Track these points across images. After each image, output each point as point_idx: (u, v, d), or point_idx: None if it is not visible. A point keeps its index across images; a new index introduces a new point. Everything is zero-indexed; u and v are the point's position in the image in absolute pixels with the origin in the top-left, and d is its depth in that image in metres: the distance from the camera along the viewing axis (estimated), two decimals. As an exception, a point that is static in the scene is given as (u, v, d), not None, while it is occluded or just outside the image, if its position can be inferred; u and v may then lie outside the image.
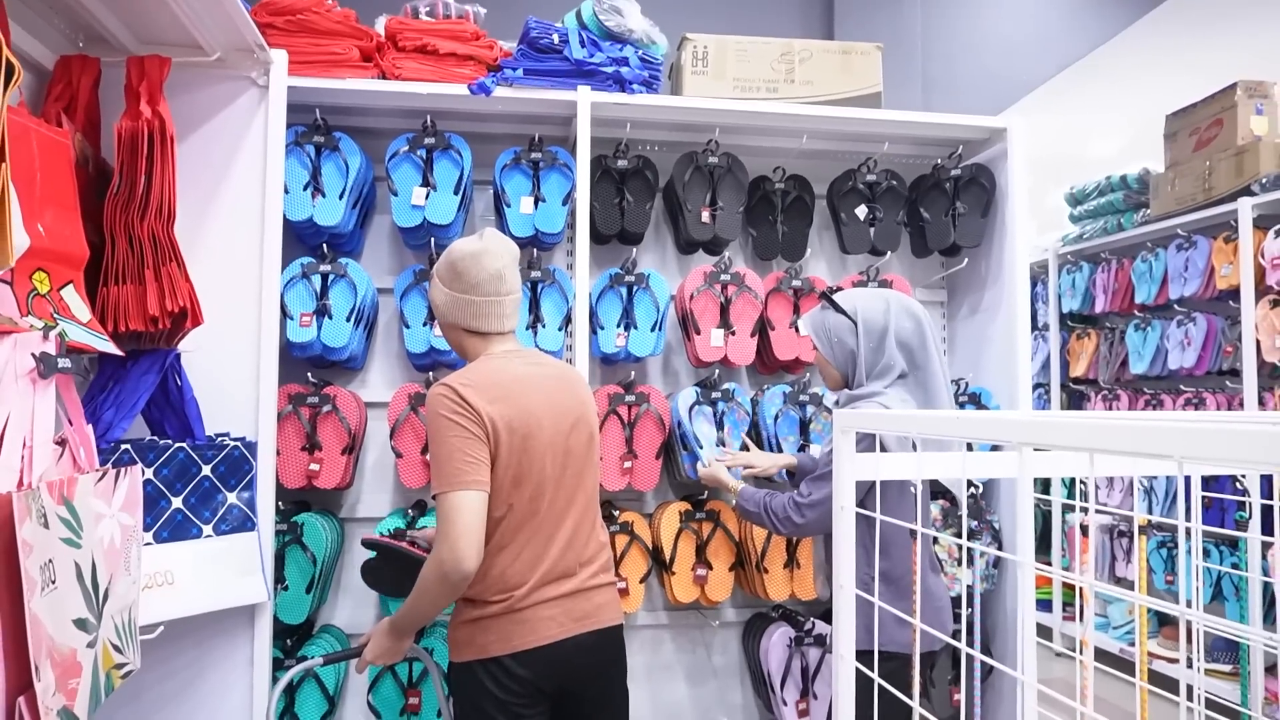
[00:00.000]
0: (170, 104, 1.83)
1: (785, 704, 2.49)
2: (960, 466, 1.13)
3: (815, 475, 1.94)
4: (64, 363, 1.33)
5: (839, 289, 2.31)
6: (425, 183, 2.36)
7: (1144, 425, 0.70)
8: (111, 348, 1.59)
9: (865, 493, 1.89)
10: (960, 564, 2.61)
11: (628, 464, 2.46)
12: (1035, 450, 1.00)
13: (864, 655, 1.93)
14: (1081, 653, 1.06)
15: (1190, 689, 1.05)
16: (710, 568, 2.51)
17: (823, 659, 2.53)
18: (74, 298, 1.58)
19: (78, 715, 1.29)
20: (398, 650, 1.76)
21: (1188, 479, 1.30)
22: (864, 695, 1.30)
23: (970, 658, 1.83)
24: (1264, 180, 3.52)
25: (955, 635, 2.62)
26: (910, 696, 1.31)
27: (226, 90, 2.06)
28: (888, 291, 2.02)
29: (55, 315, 1.50)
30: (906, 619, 1.38)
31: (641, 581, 2.48)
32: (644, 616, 2.71)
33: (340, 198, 2.31)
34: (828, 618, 2.59)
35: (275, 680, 2.16)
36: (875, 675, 1.17)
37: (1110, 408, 4.42)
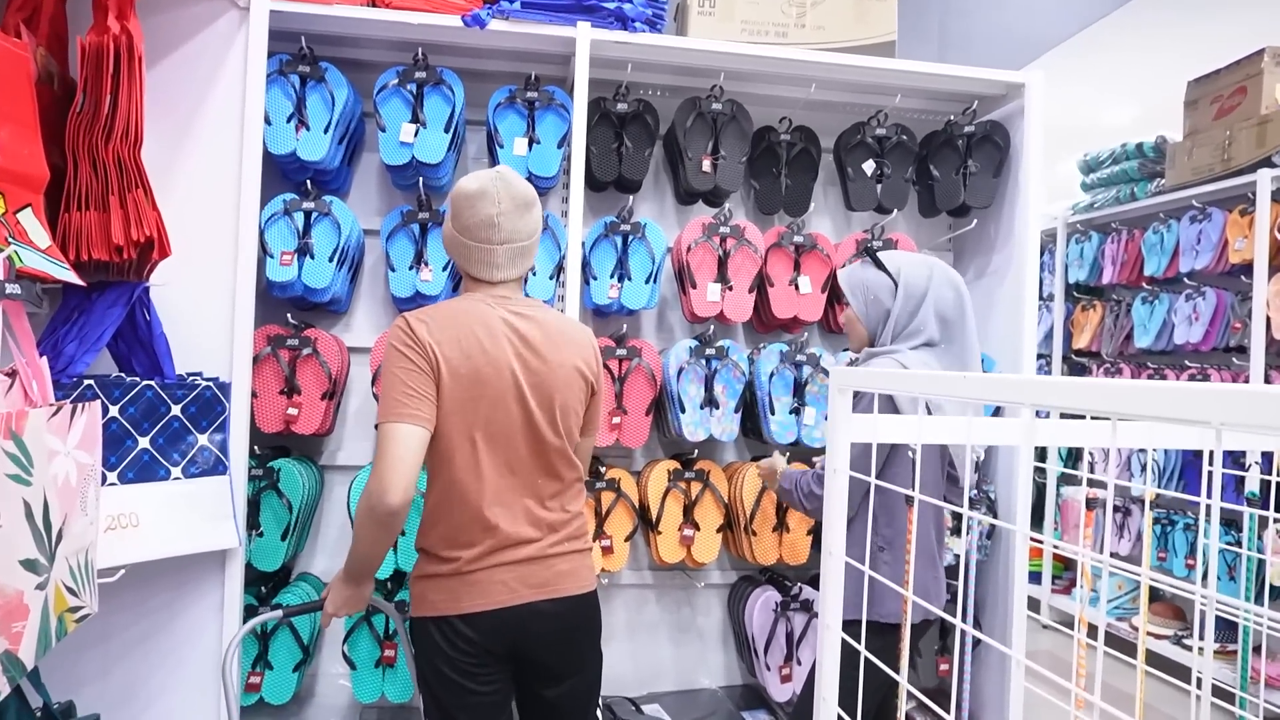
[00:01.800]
0: (143, 23, 1.72)
1: (769, 669, 2.45)
2: (966, 432, 1.06)
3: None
4: (12, 289, 1.25)
5: (881, 245, 2.19)
6: (415, 119, 2.25)
7: (1179, 388, 0.63)
8: (72, 277, 1.51)
9: (883, 460, 1.82)
10: (952, 534, 2.56)
11: (616, 419, 2.39)
12: (1054, 417, 0.92)
13: (853, 625, 1.89)
14: (1078, 631, 1.00)
15: (1199, 680, 0.99)
16: (698, 528, 2.45)
17: (808, 625, 2.49)
18: (32, 222, 1.50)
19: (22, 659, 1.23)
20: (359, 598, 1.70)
21: (1196, 455, 1.23)
22: (850, 665, 1.25)
23: (961, 628, 1.77)
24: (1286, 151, 3.40)
25: (947, 606, 2.58)
26: (897, 669, 1.25)
27: (204, 11, 1.95)
28: (932, 259, 1.94)
29: (10, 239, 1.42)
30: (901, 591, 1.32)
31: (626, 540, 2.42)
32: (628, 575, 2.66)
33: (325, 132, 2.20)
34: (816, 583, 2.54)
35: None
36: (862, 647, 1.11)
37: (1112, 381, 4.35)
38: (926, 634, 2.52)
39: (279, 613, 1.82)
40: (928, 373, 1.06)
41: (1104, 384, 0.71)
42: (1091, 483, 4.45)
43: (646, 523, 2.47)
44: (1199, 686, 0.93)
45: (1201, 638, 3.47)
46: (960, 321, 1.89)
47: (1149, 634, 4.03)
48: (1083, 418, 0.89)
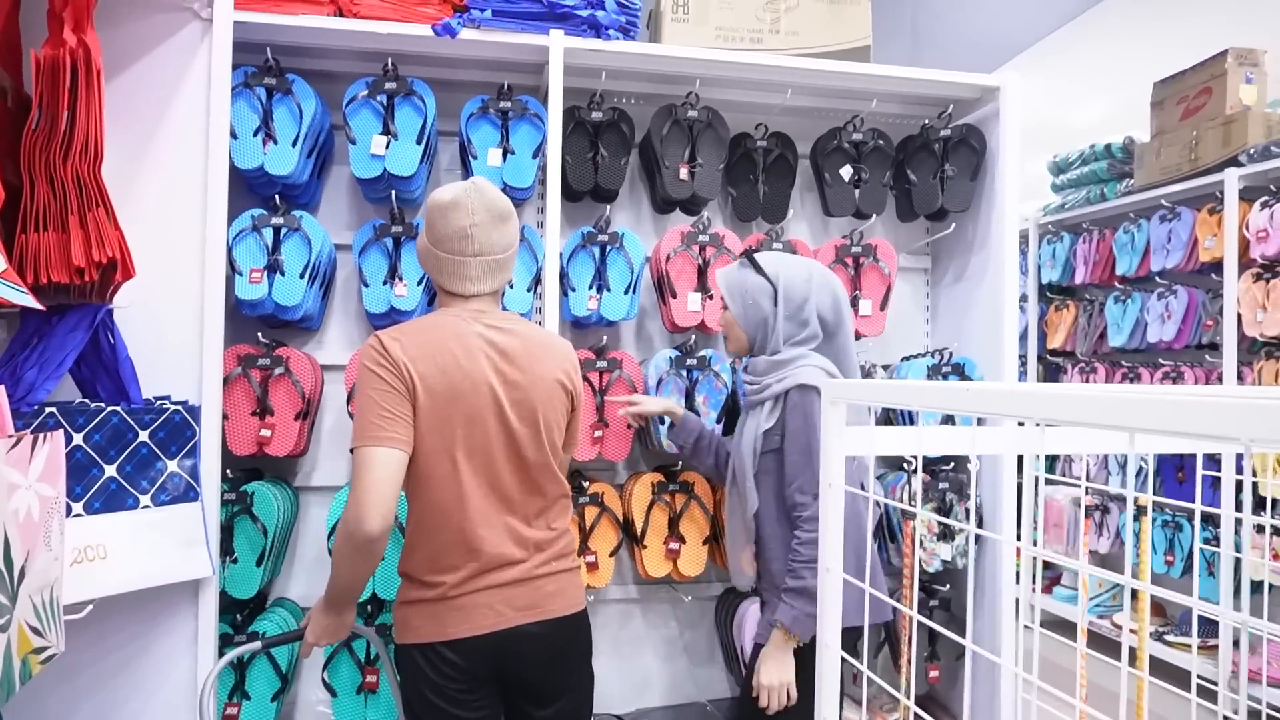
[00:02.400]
0: (101, 36, 1.66)
1: (758, 681, 2.42)
2: (970, 443, 1.03)
3: (801, 481, 1.82)
4: (-34, 316, 1.18)
5: (758, 249, 2.25)
6: (386, 131, 2.20)
7: (1207, 403, 0.60)
8: (30, 301, 1.44)
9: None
10: (939, 540, 2.55)
11: (598, 433, 2.35)
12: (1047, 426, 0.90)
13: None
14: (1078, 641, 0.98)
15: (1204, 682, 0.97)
16: (683, 541, 2.41)
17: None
18: (-13, 245, 1.43)
19: (-18, 708, 1.17)
20: (340, 627, 1.64)
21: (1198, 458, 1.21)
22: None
23: (950, 634, 1.75)
24: (1252, 151, 3.44)
25: (932, 611, 2.56)
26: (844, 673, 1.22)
27: (165, 22, 1.89)
28: (811, 262, 1.99)
29: (-37, 263, 1.35)
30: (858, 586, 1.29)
31: (611, 555, 2.38)
32: (614, 590, 2.61)
33: (294, 145, 2.15)
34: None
35: (225, 654, 2.05)
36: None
37: (1087, 380, 4.38)
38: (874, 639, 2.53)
39: (257, 644, 1.76)
40: (934, 385, 1.03)
41: (1120, 397, 0.69)
42: (1059, 485, 4.47)
43: (631, 537, 2.43)
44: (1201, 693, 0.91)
45: (1186, 635, 3.50)
46: (838, 325, 1.94)
47: (1131, 630, 4.05)
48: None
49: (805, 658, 1.87)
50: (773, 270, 1.92)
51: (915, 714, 1.01)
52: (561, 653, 1.64)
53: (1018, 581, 4.57)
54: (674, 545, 2.40)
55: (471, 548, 1.53)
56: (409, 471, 1.51)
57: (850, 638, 1.96)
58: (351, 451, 1.48)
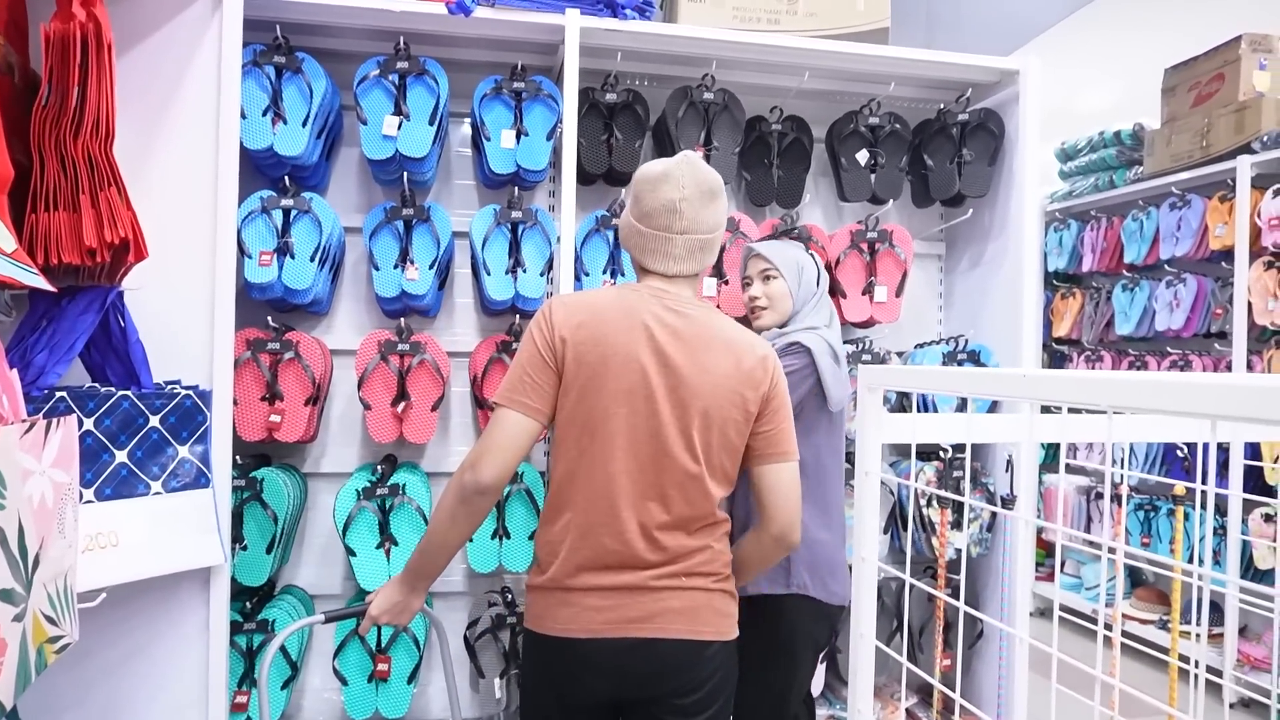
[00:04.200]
0: (109, 10, 1.61)
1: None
2: (1024, 428, 1.00)
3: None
4: (-21, 296, 1.15)
5: (779, 234, 2.39)
6: (398, 111, 2.16)
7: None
8: (42, 283, 1.40)
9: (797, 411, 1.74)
10: (953, 528, 2.53)
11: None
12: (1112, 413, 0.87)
13: (786, 600, 1.88)
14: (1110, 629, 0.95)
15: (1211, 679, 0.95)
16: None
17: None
18: (-4, 224, 1.39)
19: (0, 698, 1.14)
20: (407, 607, 1.56)
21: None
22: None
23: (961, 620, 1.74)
24: (1264, 138, 3.42)
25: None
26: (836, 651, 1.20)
27: (174, -3, 1.84)
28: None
29: (-27, 243, 1.31)
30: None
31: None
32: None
33: (304, 125, 2.10)
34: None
35: (235, 642, 2.02)
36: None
37: (1094, 368, 4.37)
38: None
39: (320, 617, 1.71)
40: (981, 371, 1.00)
41: (1203, 383, 0.66)
42: (1072, 469, 4.47)
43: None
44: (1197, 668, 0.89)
45: (1188, 622, 3.50)
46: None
47: (1131, 618, 4.06)
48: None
49: (769, 614, 1.87)
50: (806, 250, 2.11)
51: (958, 705, 0.99)
52: (681, 685, 1.44)
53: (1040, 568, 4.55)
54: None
55: (592, 538, 1.44)
56: (554, 440, 1.49)
57: (837, 616, 1.97)
58: (491, 407, 1.51)
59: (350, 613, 1.70)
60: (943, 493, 1.06)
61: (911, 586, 2.40)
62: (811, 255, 2.12)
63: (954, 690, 2.70)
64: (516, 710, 2.19)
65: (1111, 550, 3.99)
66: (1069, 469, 4.46)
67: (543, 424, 1.46)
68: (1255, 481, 3.37)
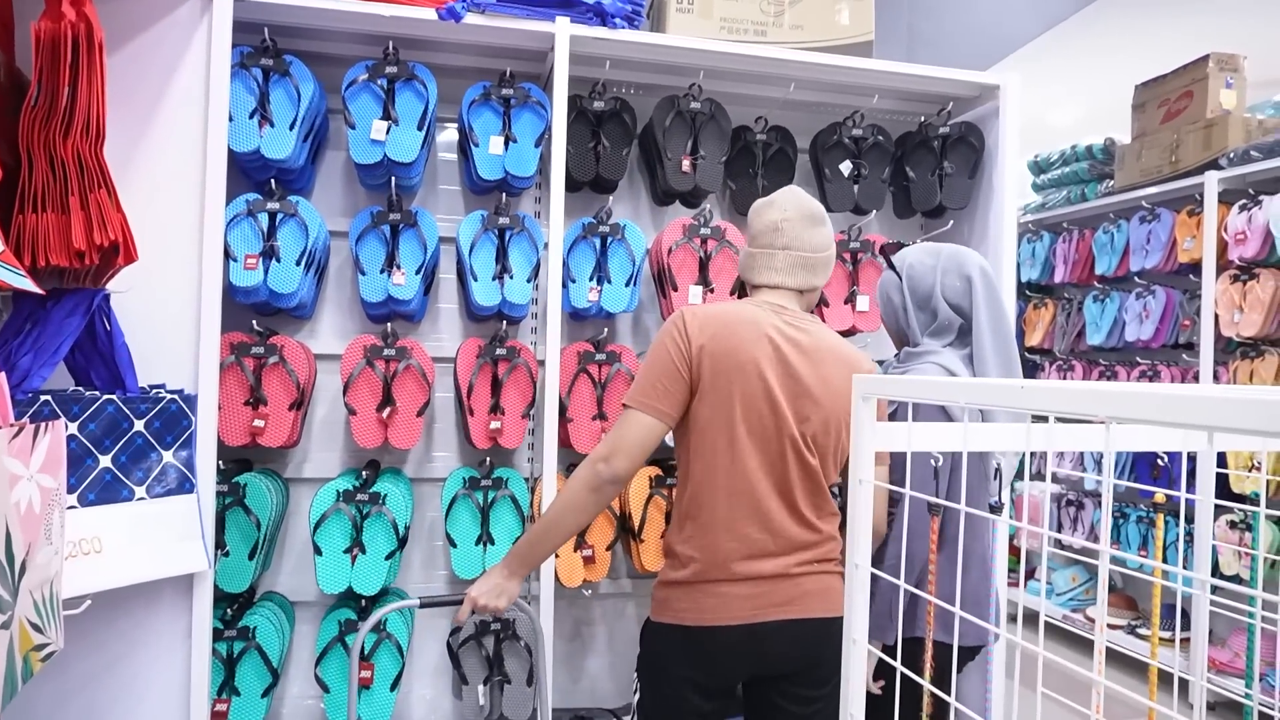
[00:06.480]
0: (98, 10, 1.60)
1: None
2: (1022, 438, 1.02)
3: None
4: (-28, 299, 1.13)
5: (900, 245, 2.12)
6: (386, 116, 2.15)
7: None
8: (29, 285, 1.38)
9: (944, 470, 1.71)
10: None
11: (598, 426, 2.33)
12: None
13: (905, 644, 1.71)
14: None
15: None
16: (680, 535, 2.40)
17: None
18: (-16, 225, 1.37)
19: (-11, 710, 1.12)
20: (505, 590, 1.61)
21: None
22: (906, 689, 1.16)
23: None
24: (1231, 154, 3.51)
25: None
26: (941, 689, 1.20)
27: (163, -2, 1.83)
28: (944, 246, 1.88)
29: (-39, 244, 1.29)
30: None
31: (608, 549, 2.36)
32: (606, 585, 2.60)
33: (291, 128, 2.09)
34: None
35: (215, 650, 1.99)
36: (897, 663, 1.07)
37: (1065, 378, 4.44)
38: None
39: (416, 600, 1.75)
40: (978, 381, 1.01)
41: (1200, 396, 0.68)
42: (1040, 475, 4.53)
43: (627, 531, 2.41)
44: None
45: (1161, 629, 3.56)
46: (975, 310, 1.79)
47: (1107, 625, 4.12)
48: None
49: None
50: (902, 262, 1.88)
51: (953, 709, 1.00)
52: (812, 660, 1.57)
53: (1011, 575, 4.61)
54: (671, 540, 2.39)
55: (736, 527, 1.54)
56: (688, 443, 1.56)
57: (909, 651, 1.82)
58: (624, 406, 1.56)
59: (447, 600, 1.76)
60: (935, 499, 1.08)
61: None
62: (929, 254, 1.93)
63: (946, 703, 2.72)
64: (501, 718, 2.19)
65: (1096, 556, 4.03)
66: (1040, 476, 4.52)
67: (669, 426, 1.56)
68: (1221, 488, 3.45)
